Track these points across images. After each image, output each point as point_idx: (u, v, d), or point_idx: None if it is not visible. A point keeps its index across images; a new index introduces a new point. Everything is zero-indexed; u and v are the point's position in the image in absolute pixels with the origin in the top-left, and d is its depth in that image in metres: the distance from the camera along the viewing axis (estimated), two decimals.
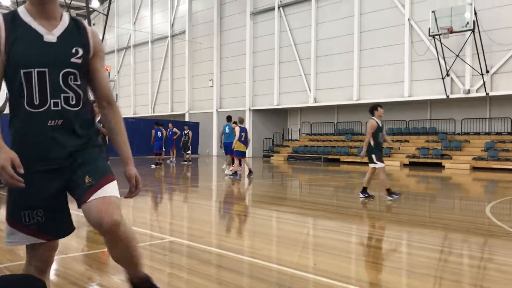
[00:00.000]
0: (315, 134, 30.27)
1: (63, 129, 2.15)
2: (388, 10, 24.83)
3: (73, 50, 2.15)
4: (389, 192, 9.08)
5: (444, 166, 21.46)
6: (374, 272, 4.11)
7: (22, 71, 2.04)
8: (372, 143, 9.14)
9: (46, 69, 2.07)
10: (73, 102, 2.16)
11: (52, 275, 4.00)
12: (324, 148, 27.50)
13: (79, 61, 2.16)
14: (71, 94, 2.14)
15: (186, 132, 22.40)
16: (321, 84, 28.03)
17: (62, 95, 2.11)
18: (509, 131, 22.34)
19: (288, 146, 30.28)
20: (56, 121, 2.12)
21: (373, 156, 9.17)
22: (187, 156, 22.45)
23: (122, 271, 2.58)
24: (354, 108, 27.97)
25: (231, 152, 15.15)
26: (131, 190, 2.44)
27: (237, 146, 14.84)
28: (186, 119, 35.64)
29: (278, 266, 4.28)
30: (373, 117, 9.14)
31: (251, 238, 5.74)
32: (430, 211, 8.34)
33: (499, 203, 9.14)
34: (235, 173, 14.81)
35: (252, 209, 8.33)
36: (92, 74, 2.27)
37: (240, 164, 16.43)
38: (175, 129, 22.80)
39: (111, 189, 2.23)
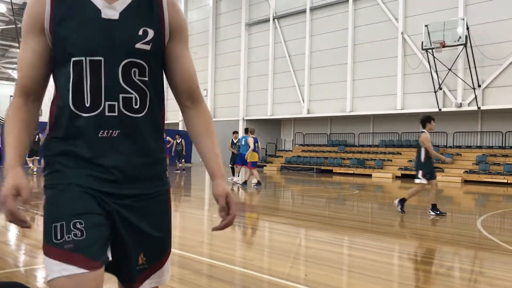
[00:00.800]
0: (308, 145, 30.35)
1: (120, 141, 1.53)
2: (381, 23, 25.08)
3: (140, 32, 1.54)
4: (402, 201, 8.88)
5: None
6: (365, 284, 4.11)
7: (72, 59, 1.48)
8: (422, 158, 8.69)
9: (102, 58, 1.49)
10: (137, 106, 1.54)
11: (40, 283, 3.97)
12: (317, 159, 27.56)
13: (148, 47, 1.55)
14: (134, 94, 1.53)
15: (179, 141, 22.36)
16: (314, 96, 28.16)
17: (120, 96, 1.51)
18: (500, 145, 22.53)
19: (281, 157, 30.31)
20: (111, 131, 1.51)
21: (420, 172, 8.72)
22: (180, 165, 22.39)
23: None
24: (347, 119, 28.11)
25: (245, 162, 15.21)
26: (223, 216, 1.69)
27: (251, 156, 14.90)
28: (180, 128, 35.61)
29: (270, 277, 4.27)
30: (424, 130, 8.72)
31: (243, 248, 5.73)
32: (422, 224, 8.37)
33: (490, 216, 9.19)
34: (244, 182, 14.96)
35: (244, 219, 8.31)
36: (171, 64, 1.66)
37: (238, 174, 16.57)
38: (168, 138, 22.76)
39: (166, 273, 1.68)
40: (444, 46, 20.97)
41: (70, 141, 1.52)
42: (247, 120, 31.74)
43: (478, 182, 20.46)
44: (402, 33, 24.06)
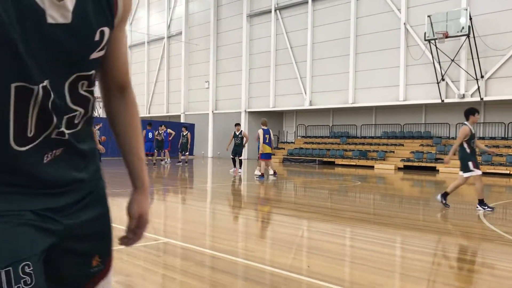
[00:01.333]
0: (310, 137, 30.32)
1: (61, 160, 1.21)
2: (384, 14, 24.93)
3: (97, 36, 1.16)
4: (482, 203, 8.43)
5: (438, 170, 21.55)
6: (368, 275, 4.12)
7: (12, 85, 1.05)
8: (468, 150, 8.48)
9: (47, 81, 1.09)
10: (78, 120, 1.22)
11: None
12: (319, 151, 27.55)
13: (103, 53, 1.20)
14: (79, 110, 1.20)
15: (184, 134, 22.35)
16: (316, 87, 28.09)
17: (65, 118, 1.17)
18: (503, 136, 22.47)
19: (284, 149, 30.30)
20: (54, 152, 1.19)
21: (470, 163, 8.45)
22: (182, 157, 22.42)
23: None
24: (349, 111, 28.06)
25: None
26: (130, 235, 1.53)
27: (262, 148, 14.94)
28: (182, 121, 35.62)
29: (272, 268, 4.28)
30: (467, 123, 8.50)
31: (245, 240, 5.74)
32: (424, 215, 8.37)
33: (493, 207, 9.18)
34: (261, 175, 14.89)
35: (247, 211, 8.33)
36: (110, 51, 1.27)
37: (240, 166, 16.72)
38: (169, 130, 22.81)
39: (110, 279, 1.46)
40: (447, 37, 20.86)
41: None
42: (249, 112, 31.71)
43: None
44: (404, 23, 23.92)
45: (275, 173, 15.19)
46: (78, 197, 1.29)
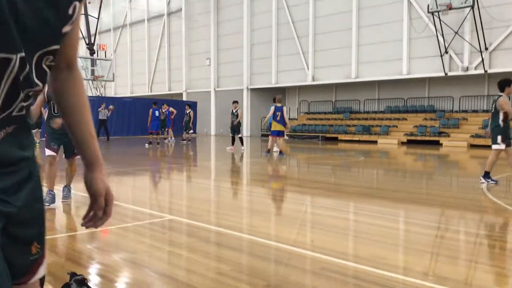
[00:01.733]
0: (313, 113, 30.23)
1: (12, 137, 1.14)
2: None
3: (71, 9, 1.14)
4: (487, 175, 8.33)
5: (441, 144, 21.53)
6: (371, 249, 4.16)
7: None
8: (501, 122, 8.22)
9: (23, 52, 1.04)
10: (34, 96, 1.19)
11: (52, 254, 4.05)
12: (322, 127, 27.50)
13: (70, 27, 1.17)
14: (39, 85, 1.14)
15: (187, 112, 22.34)
16: (319, 62, 27.88)
17: (27, 92, 1.13)
18: None
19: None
20: (8, 129, 1.13)
21: (499, 137, 8.22)
22: (187, 135, 22.46)
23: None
24: (352, 86, 27.88)
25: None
26: (96, 213, 1.41)
27: (273, 125, 14.95)
28: (184, 99, 35.51)
29: (277, 244, 4.33)
30: (502, 93, 8.26)
31: (250, 216, 5.79)
32: (427, 188, 8.40)
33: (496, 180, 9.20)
34: (267, 151, 14.90)
35: (251, 188, 8.38)
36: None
37: (242, 144, 16.76)
38: (171, 109, 22.75)
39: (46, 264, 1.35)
40: (450, 9, 20.55)
41: None
42: (251, 89, 31.57)
43: (484, 146, 20.41)
44: None
45: (281, 152, 15.17)
46: (22, 177, 1.19)
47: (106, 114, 24.03)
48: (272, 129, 15.04)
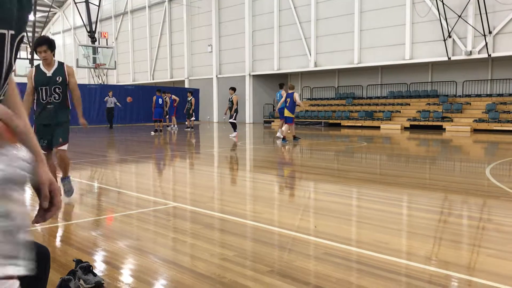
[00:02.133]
0: (315, 99, 30.15)
1: None
2: None
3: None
4: None
5: (445, 129, 21.47)
6: (374, 234, 4.18)
7: None
8: None
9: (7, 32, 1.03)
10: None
11: (57, 241, 4.08)
12: (325, 113, 27.44)
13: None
14: (12, 71, 1.16)
15: (189, 99, 22.34)
16: (321, 48, 27.72)
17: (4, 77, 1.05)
18: (511, 92, 22.23)
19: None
20: None
21: None
22: (189, 123, 22.48)
23: None
24: (355, 71, 27.75)
25: (283, 116, 15.75)
26: (42, 204, 1.34)
27: (286, 112, 15.25)
28: (186, 86, 35.45)
29: (280, 229, 4.35)
30: None
31: (253, 203, 5.81)
32: (430, 173, 8.40)
33: (499, 164, 9.20)
34: (283, 138, 15.05)
35: (254, 174, 8.40)
36: None
37: (234, 130, 16.91)
38: (173, 96, 22.80)
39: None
40: None
41: None
42: (254, 76, 31.46)
43: (487, 130, 20.36)
44: None
45: (283, 139, 15.19)
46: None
47: (113, 101, 24.31)
48: (285, 115, 15.25)
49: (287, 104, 15.16)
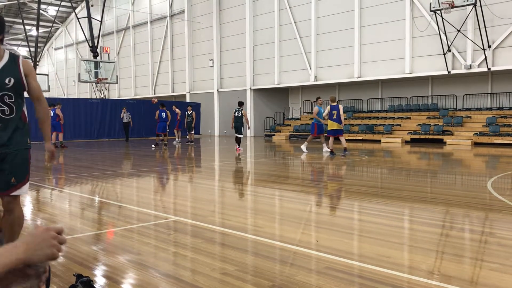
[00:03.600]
0: None
1: None
2: None
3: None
4: None
5: (445, 142, 21.47)
6: (376, 248, 4.16)
7: None
8: None
9: None
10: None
11: None
12: (325, 126, 27.39)
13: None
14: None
15: (189, 113, 22.43)
16: (321, 62, 27.87)
17: None
18: (511, 106, 22.27)
19: (290, 125, 30.26)
20: None
21: None
22: (191, 136, 22.54)
23: None
24: (355, 85, 27.86)
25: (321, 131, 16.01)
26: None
27: (330, 125, 15.12)
28: (187, 100, 35.58)
29: (281, 243, 4.33)
30: None
31: (254, 216, 5.79)
32: (432, 187, 8.38)
33: (501, 178, 9.18)
34: (331, 152, 14.95)
35: (255, 188, 8.38)
36: None
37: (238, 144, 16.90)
38: (177, 110, 22.93)
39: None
40: (453, 7, 20.50)
41: None
42: (254, 90, 31.58)
43: (488, 144, 20.36)
44: None
45: (345, 149, 15.20)
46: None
47: (128, 117, 25.34)
48: (329, 128, 15.11)
49: (334, 117, 15.03)
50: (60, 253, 1.30)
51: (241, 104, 17.86)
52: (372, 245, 4.27)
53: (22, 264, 1.25)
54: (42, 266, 1.29)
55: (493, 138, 20.50)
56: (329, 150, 15.15)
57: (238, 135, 17.43)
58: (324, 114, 15.61)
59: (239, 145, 17.34)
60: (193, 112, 22.67)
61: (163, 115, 20.21)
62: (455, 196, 7.06)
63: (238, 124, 17.42)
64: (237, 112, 17.43)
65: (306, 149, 16.27)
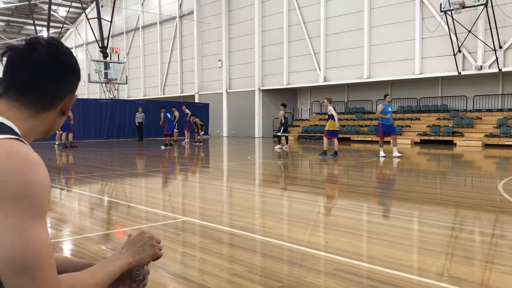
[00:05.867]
0: (325, 114, 30.05)
1: None
2: None
3: None
4: None
5: (455, 144, 21.31)
6: (385, 249, 4.13)
7: None
8: None
9: None
10: None
11: (67, 255, 4.08)
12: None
13: None
14: None
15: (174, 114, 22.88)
16: (330, 63, 27.79)
17: None
18: None
19: (298, 126, 30.21)
20: None
21: None
22: (198, 137, 22.60)
23: None
24: (364, 86, 27.75)
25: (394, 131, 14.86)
26: None
27: (332, 125, 14.81)
28: (196, 100, 35.66)
29: (290, 244, 4.32)
30: None
31: (263, 217, 5.79)
32: (442, 189, 8.32)
33: None
34: (399, 154, 14.17)
35: (263, 189, 8.38)
36: None
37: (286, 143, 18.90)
38: (187, 110, 23.06)
39: None
40: (463, 7, 20.35)
41: None
42: (263, 90, 31.58)
43: (499, 145, 20.17)
44: None
45: (335, 152, 14.97)
46: None
47: (142, 117, 26.75)
48: (332, 128, 14.83)
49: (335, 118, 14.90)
50: (161, 251, 1.44)
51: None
52: (381, 247, 4.24)
53: (131, 267, 1.38)
54: (142, 273, 1.42)
55: (504, 140, 20.31)
56: (398, 154, 14.29)
57: (286, 134, 19.16)
58: (387, 117, 14.46)
59: (287, 142, 19.14)
60: (196, 118, 23.20)
61: (168, 115, 20.54)
62: (465, 198, 7.00)
63: (286, 124, 19.21)
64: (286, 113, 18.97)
65: (384, 153, 14.68)
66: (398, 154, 14.34)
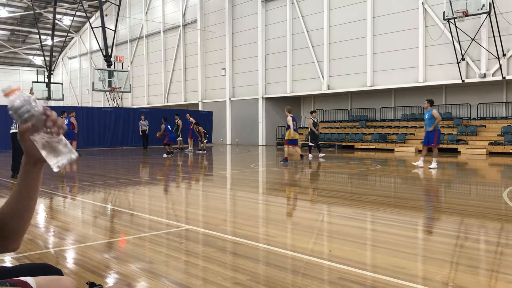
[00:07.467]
0: (328, 121, 30.13)
1: None
2: None
3: None
4: None
5: (459, 152, 21.24)
6: (390, 258, 4.11)
7: None
8: None
9: None
10: None
11: (70, 263, 4.08)
12: (338, 135, 27.37)
13: None
14: None
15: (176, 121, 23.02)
16: (334, 71, 27.83)
17: None
18: None
19: (302, 134, 30.20)
20: None
21: None
22: (201, 145, 22.63)
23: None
24: (368, 94, 27.75)
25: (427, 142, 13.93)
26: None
27: (293, 134, 15.41)
28: (200, 109, 35.74)
29: (293, 253, 4.30)
30: None
31: (266, 226, 5.77)
32: (446, 197, 8.28)
33: None
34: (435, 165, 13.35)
35: (267, 197, 8.35)
36: None
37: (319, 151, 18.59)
38: (191, 119, 23.14)
39: None
40: (466, 15, 20.38)
41: None
42: (266, 98, 31.62)
43: (503, 153, 20.09)
44: (422, 3, 23.43)
45: (302, 156, 15.42)
46: None
47: (146, 124, 26.66)
48: (292, 138, 15.33)
49: (294, 127, 15.34)
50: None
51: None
52: (385, 256, 4.22)
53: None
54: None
55: (509, 148, 20.23)
56: (436, 165, 13.51)
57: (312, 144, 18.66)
58: (435, 123, 13.79)
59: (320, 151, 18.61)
60: (198, 126, 23.24)
61: (169, 127, 20.69)
62: (470, 206, 6.96)
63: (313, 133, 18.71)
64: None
65: (437, 164, 13.76)
66: (436, 166, 13.46)
